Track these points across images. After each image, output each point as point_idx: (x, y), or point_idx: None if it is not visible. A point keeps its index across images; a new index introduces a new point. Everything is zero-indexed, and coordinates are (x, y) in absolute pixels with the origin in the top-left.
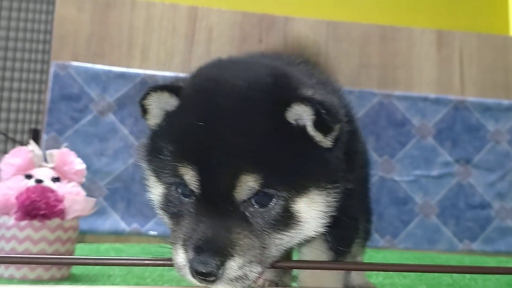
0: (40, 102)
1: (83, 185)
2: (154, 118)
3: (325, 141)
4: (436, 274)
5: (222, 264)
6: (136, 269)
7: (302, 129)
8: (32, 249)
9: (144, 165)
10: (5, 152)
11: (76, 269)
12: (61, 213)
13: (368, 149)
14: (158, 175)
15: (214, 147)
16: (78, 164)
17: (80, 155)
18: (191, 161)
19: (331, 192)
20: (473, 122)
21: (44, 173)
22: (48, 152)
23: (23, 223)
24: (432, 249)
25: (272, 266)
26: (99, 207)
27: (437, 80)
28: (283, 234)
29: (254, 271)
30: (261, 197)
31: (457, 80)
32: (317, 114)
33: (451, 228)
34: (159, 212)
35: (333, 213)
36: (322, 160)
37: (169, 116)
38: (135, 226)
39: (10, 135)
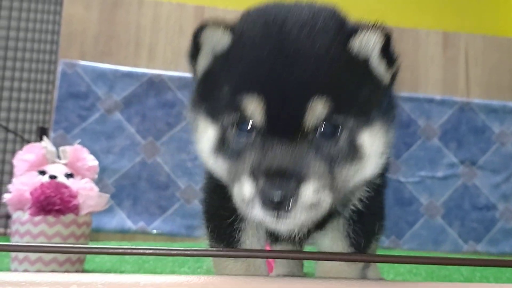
0: (48, 102)
1: None
2: (204, 58)
3: (386, 75)
4: (447, 272)
5: (297, 188)
6: (147, 264)
7: (365, 61)
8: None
9: (193, 112)
10: (14, 151)
11: (88, 265)
12: (75, 209)
13: None
14: (213, 116)
15: (282, 74)
16: (91, 161)
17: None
18: (256, 91)
19: (389, 131)
20: (478, 123)
21: (58, 169)
22: (61, 148)
23: (38, 218)
24: (437, 250)
25: (295, 257)
26: (114, 209)
27: (443, 82)
28: (349, 167)
29: (327, 198)
30: (329, 127)
31: (463, 82)
32: (387, 41)
33: (456, 229)
34: (211, 157)
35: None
36: (383, 95)
37: (223, 55)
38: (141, 224)
39: (19, 134)
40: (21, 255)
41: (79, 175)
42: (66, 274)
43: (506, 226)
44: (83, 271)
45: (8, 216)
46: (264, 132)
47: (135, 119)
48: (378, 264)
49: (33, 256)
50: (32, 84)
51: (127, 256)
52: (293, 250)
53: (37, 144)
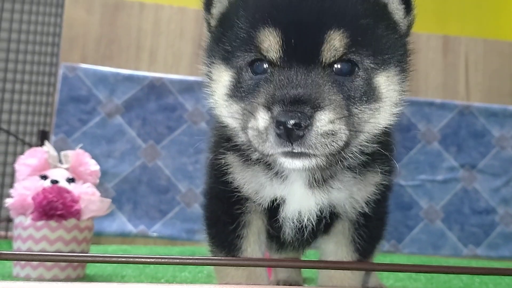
0: (49, 104)
1: None
2: (218, 5)
3: (404, 22)
4: (447, 278)
5: (312, 114)
6: (148, 269)
7: (384, 5)
8: (48, 249)
9: (208, 62)
10: (15, 154)
11: (90, 270)
12: (77, 214)
13: None
14: (228, 61)
15: (298, 6)
16: (93, 165)
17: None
18: (272, 24)
19: (404, 81)
20: (478, 127)
21: (59, 174)
22: (63, 153)
23: (40, 223)
24: (437, 254)
25: (296, 266)
26: (115, 212)
27: (443, 86)
28: (365, 107)
29: (342, 130)
30: (346, 65)
31: (463, 86)
32: None
33: (455, 233)
34: (225, 103)
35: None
36: (399, 42)
37: (237, 4)
38: (141, 228)
39: (20, 137)
40: (24, 247)
41: (81, 179)
42: (69, 284)
43: (505, 230)
44: (85, 275)
45: (9, 220)
46: (280, 67)
47: (136, 123)
48: None
49: (36, 247)
50: (34, 87)
51: None
52: (294, 258)
53: (39, 148)
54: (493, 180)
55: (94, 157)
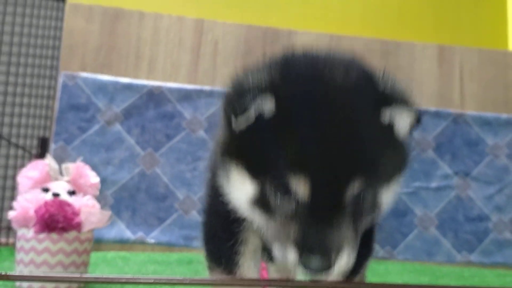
0: (48, 117)
1: None
2: (247, 117)
3: (407, 140)
4: None
5: (335, 261)
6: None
7: (390, 124)
8: (50, 261)
9: (225, 160)
10: (15, 164)
11: (91, 270)
12: (78, 226)
13: None
14: (254, 173)
15: (325, 157)
16: (93, 177)
17: (87, 164)
18: (303, 172)
19: (402, 177)
20: (472, 136)
21: (60, 186)
22: (64, 165)
23: (42, 235)
24: (431, 260)
25: (290, 285)
26: (113, 219)
27: (438, 94)
28: (367, 218)
29: (352, 258)
30: (358, 195)
31: (457, 94)
32: (417, 119)
33: (449, 240)
34: (248, 208)
35: None
36: (402, 151)
37: (266, 119)
38: (140, 234)
39: (20, 145)
40: (26, 258)
41: (81, 191)
42: None
43: (498, 237)
44: (85, 285)
45: (9, 228)
46: (305, 205)
47: (135, 131)
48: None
49: (38, 259)
50: (34, 99)
51: (128, 264)
52: (287, 279)
53: (40, 161)
54: (486, 188)
55: (93, 164)
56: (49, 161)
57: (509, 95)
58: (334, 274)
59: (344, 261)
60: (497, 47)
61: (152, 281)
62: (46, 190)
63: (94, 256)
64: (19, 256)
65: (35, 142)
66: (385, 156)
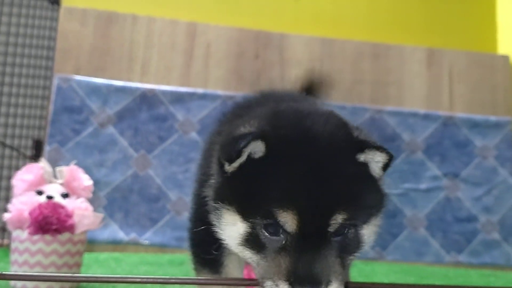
0: (42, 118)
1: None
2: (239, 162)
3: (381, 178)
4: None
5: None
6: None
7: (365, 166)
8: (43, 261)
9: (218, 203)
10: (10, 164)
11: (84, 270)
12: (71, 228)
13: None
14: (244, 214)
15: (310, 192)
16: (86, 180)
17: (80, 166)
18: (291, 206)
19: (381, 219)
20: (461, 137)
21: (54, 189)
22: (58, 169)
23: (36, 237)
24: (420, 261)
25: None
26: (106, 220)
27: (427, 97)
28: (353, 255)
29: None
30: (342, 229)
31: (446, 97)
32: (389, 159)
33: (438, 240)
34: (238, 247)
35: None
36: (379, 190)
37: (256, 162)
38: (133, 235)
39: (15, 147)
40: (20, 259)
41: (74, 194)
42: None
43: (487, 237)
44: (78, 285)
45: (4, 229)
46: (293, 237)
47: (128, 133)
48: None
49: (32, 260)
50: (28, 100)
51: (121, 265)
52: None
53: (35, 164)
54: (475, 189)
55: (87, 166)
56: (43, 164)
57: (497, 97)
58: None
59: None
60: (486, 51)
61: (139, 280)
62: (40, 192)
63: (87, 257)
64: (14, 256)
65: (29, 142)
66: (363, 193)
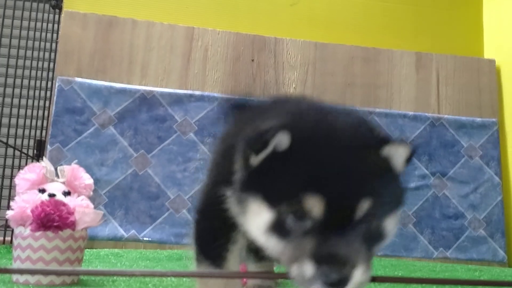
0: (44, 118)
1: None
2: (265, 153)
3: (402, 170)
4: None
5: (351, 273)
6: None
7: (388, 161)
8: (45, 257)
9: (242, 195)
10: (12, 164)
11: (85, 266)
12: (72, 225)
13: None
14: (270, 202)
15: (336, 179)
16: (87, 179)
17: (81, 165)
18: (317, 191)
19: (400, 210)
20: (448, 138)
21: (56, 187)
22: (59, 168)
23: (38, 233)
24: (409, 256)
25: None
26: (107, 218)
27: (416, 99)
28: (375, 246)
29: (368, 275)
30: (365, 217)
31: (434, 99)
32: (412, 153)
33: (427, 236)
34: (264, 236)
35: None
36: (400, 185)
37: (281, 154)
38: (132, 232)
39: (17, 147)
40: (23, 255)
41: (76, 192)
42: None
43: (473, 234)
44: (78, 281)
45: (7, 226)
46: (319, 223)
47: (128, 133)
48: None
49: (34, 255)
50: (30, 101)
51: (121, 261)
52: (268, 271)
53: (37, 164)
54: (462, 187)
55: (88, 165)
56: (45, 163)
57: (483, 99)
58: (351, 285)
59: (360, 275)
60: (472, 55)
61: (138, 273)
62: (42, 191)
63: (88, 253)
64: (16, 253)
65: (32, 142)
66: (387, 186)
